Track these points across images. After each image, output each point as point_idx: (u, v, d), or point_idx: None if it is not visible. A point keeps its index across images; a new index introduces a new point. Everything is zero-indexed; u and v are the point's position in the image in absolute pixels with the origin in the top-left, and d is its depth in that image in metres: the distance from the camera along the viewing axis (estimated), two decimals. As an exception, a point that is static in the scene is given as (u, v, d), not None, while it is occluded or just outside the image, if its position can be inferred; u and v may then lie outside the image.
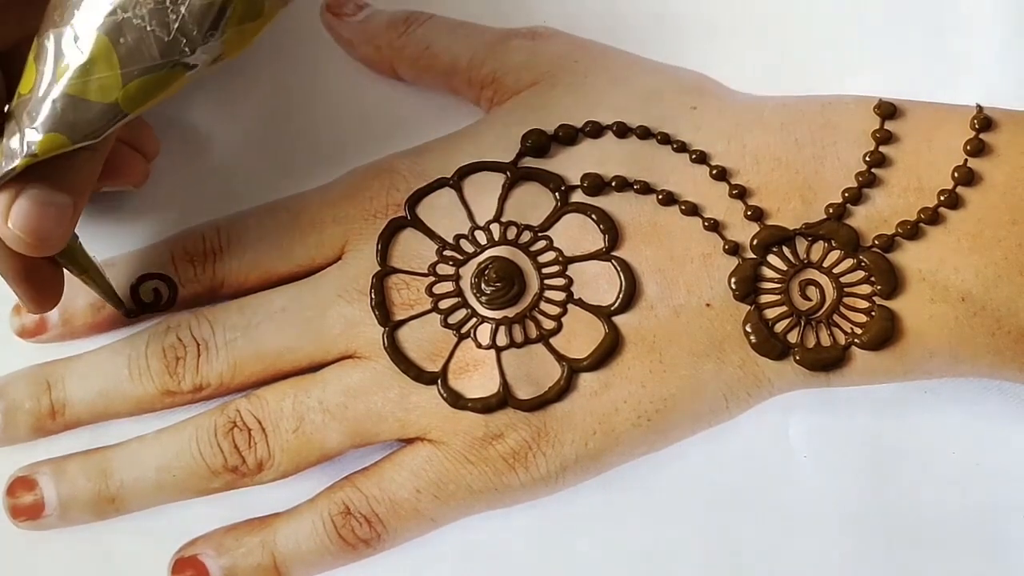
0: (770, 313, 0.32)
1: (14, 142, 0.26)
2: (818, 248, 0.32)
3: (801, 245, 0.32)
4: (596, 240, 0.33)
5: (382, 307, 0.32)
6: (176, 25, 0.26)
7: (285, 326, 0.33)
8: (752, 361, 0.32)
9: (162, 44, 0.26)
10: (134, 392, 0.33)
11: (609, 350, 0.32)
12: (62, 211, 0.27)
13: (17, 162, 0.26)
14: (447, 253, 0.33)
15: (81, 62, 0.26)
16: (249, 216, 0.35)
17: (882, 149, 0.33)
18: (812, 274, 0.32)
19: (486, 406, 0.31)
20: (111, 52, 0.26)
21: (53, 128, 0.26)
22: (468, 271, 0.33)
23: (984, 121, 0.32)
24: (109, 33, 0.26)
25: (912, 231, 0.32)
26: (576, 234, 0.33)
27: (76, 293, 0.34)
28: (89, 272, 0.32)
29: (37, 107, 0.26)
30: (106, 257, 0.34)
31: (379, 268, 0.33)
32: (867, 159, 0.33)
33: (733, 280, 0.32)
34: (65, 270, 0.31)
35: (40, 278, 0.30)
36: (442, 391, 0.32)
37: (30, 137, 0.26)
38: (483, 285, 0.32)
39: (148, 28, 0.26)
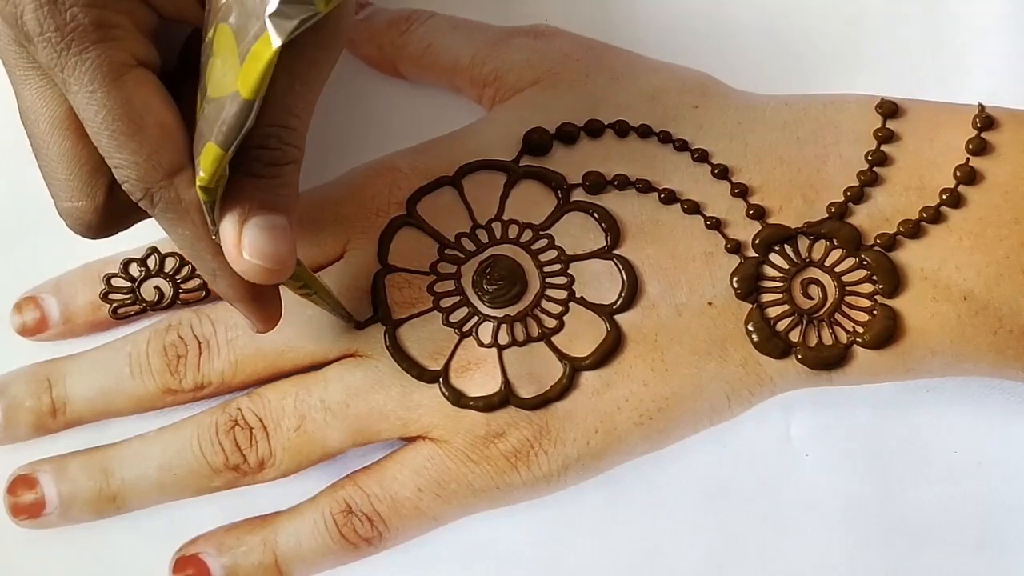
0: (772, 312, 0.32)
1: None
2: (820, 247, 0.32)
3: (803, 244, 0.32)
4: (598, 238, 0.33)
5: (383, 305, 0.32)
6: None
7: (286, 324, 0.33)
8: (754, 360, 0.32)
9: None
10: (135, 390, 0.33)
11: (611, 349, 0.32)
12: (288, 232, 0.27)
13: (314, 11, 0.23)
14: (448, 252, 0.33)
15: None
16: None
17: (884, 148, 0.33)
18: (814, 273, 0.32)
19: (488, 404, 0.31)
20: None
21: None
22: (469, 269, 0.33)
23: (986, 120, 0.32)
24: None
25: (914, 230, 0.32)
26: (578, 232, 0.33)
27: (76, 292, 0.34)
28: (317, 292, 0.30)
29: None
30: (109, 255, 0.34)
31: (380, 267, 0.33)
32: (869, 158, 0.33)
33: (735, 279, 0.32)
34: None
35: (267, 297, 0.29)
36: (444, 389, 0.32)
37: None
38: (485, 284, 0.32)
39: None
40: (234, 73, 0.24)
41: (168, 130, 0.26)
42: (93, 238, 0.29)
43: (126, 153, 0.26)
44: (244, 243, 0.26)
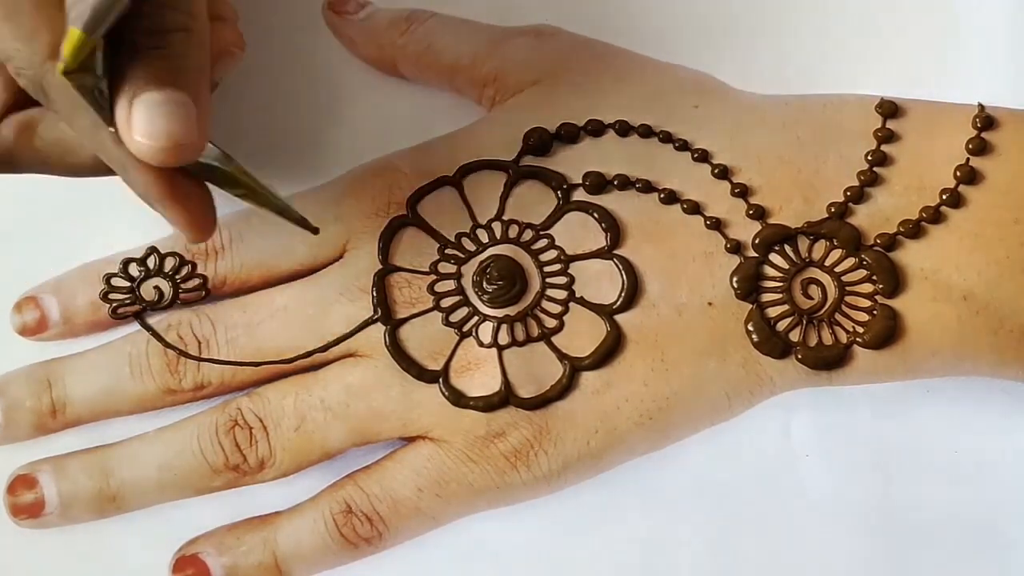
0: (772, 312, 0.32)
1: None
2: (820, 247, 0.32)
3: (803, 244, 0.32)
4: (598, 238, 0.33)
5: (384, 305, 0.32)
6: None
7: (287, 324, 0.33)
8: (754, 360, 0.32)
9: None
10: (135, 390, 0.33)
11: (611, 348, 0.32)
12: (185, 108, 0.24)
13: None
14: (449, 251, 0.33)
15: None
16: (251, 214, 0.34)
17: (884, 148, 0.33)
18: (814, 273, 0.32)
19: (488, 404, 0.31)
20: None
21: None
22: (470, 269, 0.33)
23: (986, 120, 0.32)
24: None
25: (914, 230, 0.32)
26: (578, 232, 0.33)
27: (76, 292, 0.34)
28: (255, 193, 0.28)
29: None
30: (109, 255, 0.34)
31: (380, 266, 0.33)
32: (869, 158, 0.33)
33: (735, 279, 0.32)
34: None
35: (188, 196, 0.26)
36: (444, 389, 0.32)
37: None
38: (485, 283, 0.32)
39: None
40: None
41: (44, 8, 0.24)
42: None
43: (9, 40, 0.24)
44: (133, 122, 0.24)
